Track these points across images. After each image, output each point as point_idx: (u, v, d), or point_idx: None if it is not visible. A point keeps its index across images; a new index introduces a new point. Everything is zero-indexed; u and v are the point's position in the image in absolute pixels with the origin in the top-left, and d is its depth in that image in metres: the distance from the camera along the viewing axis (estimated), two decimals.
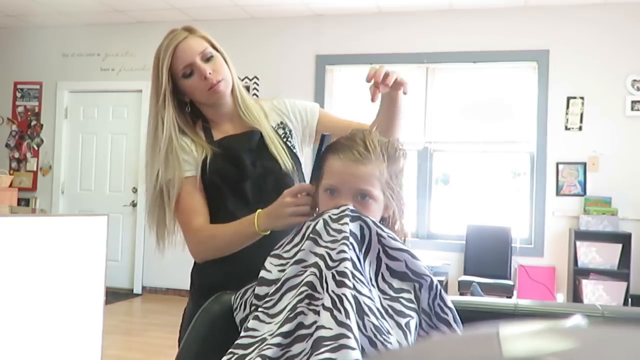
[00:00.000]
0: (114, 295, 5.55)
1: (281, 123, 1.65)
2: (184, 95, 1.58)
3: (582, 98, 5.13)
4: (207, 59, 1.55)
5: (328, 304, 1.02)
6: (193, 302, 1.56)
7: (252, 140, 1.57)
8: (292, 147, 1.63)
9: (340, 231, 1.12)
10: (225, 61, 1.59)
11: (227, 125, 1.61)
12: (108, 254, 2.87)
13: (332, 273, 1.07)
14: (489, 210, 5.35)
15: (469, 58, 5.36)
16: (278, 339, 1.04)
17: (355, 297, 1.03)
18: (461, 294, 4.64)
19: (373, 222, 1.17)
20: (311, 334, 1.02)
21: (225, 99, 1.58)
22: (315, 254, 1.12)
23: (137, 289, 6.03)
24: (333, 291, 1.04)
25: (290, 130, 1.65)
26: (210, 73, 1.53)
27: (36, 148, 6.42)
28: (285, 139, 1.63)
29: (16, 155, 6.47)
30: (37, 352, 2.47)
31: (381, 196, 1.23)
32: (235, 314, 1.25)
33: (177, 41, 1.53)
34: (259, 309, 1.14)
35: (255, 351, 1.05)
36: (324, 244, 1.12)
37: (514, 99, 5.34)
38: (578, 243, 4.84)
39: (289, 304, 1.09)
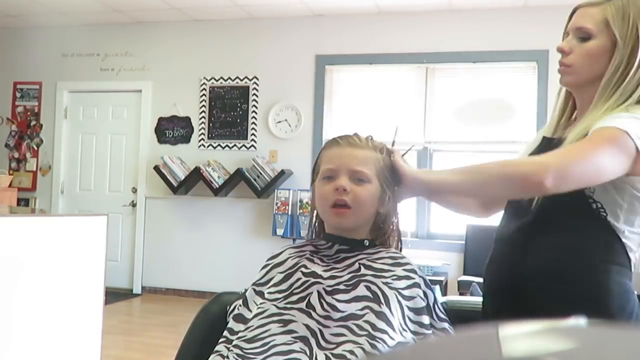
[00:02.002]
0: (113, 295, 5.54)
1: None
2: None
3: None
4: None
5: None
6: None
7: None
8: None
9: (333, 307, 1.13)
10: None
11: None
12: (108, 254, 2.87)
13: (326, 355, 1.08)
14: None
15: (468, 58, 5.36)
16: None
17: None
18: (461, 294, 4.64)
19: (372, 275, 1.17)
20: None
21: None
22: (307, 327, 1.12)
23: (137, 289, 6.03)
24: None
25: None
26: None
27: (36, 148, 6.42)
28: None
29: (16, 155, 6.46)
30: (36, 352, 2.47)
31: (377, 183, 1.23)
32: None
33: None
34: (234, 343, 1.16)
35: None
36: (316, 317, 1.13)
37: (513, 99, 5.34)
38: None
39: None
